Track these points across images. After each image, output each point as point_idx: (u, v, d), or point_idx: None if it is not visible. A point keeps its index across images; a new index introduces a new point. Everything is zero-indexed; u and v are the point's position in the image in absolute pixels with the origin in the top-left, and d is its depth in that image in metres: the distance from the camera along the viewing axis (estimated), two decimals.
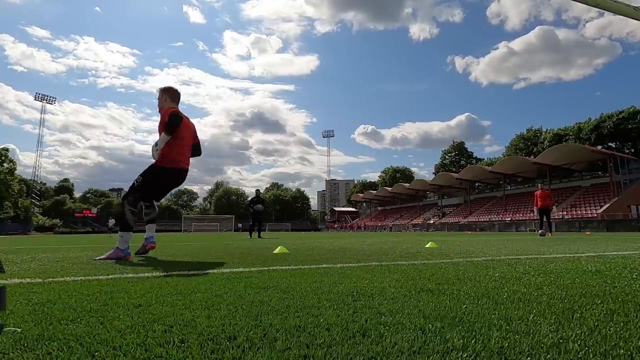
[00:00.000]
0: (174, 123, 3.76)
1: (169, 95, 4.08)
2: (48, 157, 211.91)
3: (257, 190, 14.20)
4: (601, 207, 30.15)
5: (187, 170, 4.12)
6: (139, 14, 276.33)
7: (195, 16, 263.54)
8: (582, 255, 3.80)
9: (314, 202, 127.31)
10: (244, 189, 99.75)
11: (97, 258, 3.65)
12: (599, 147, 38.56)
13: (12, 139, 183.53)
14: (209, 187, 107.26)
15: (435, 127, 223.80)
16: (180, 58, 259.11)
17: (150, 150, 3.93)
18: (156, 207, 4.24)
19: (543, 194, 11.80)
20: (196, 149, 4.30)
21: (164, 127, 3.76)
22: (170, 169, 3.94)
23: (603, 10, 2.49)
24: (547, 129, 50.69)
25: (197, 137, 4.30)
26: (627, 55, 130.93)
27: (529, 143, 51.77)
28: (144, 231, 4.34)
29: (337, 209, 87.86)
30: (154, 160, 3.92)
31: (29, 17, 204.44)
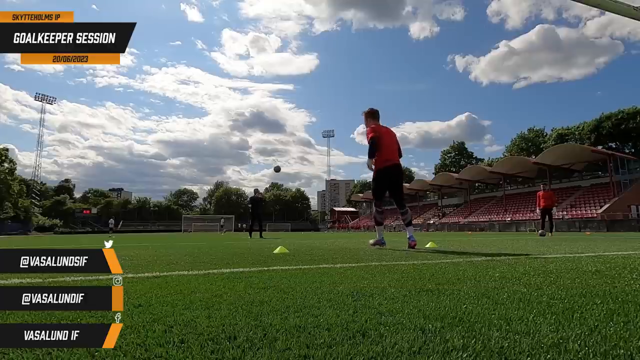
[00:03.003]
0: (371, 150, 5.03)
1: (370, 116, 5.41)
2: (47, 157, 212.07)
3: (256, 190, 14.20)
4: (601, 207, 30.15)
5: (397, 165, 5.27)
6: (136, 12, 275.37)
7: (193, 15, 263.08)
8: (582, 255, 3.80)
9: (314, 202, 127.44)
10: (244, 189, 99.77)
11: (370, 243, 5.43)
12: (599, 147, 38.56)
13: (10, 138, 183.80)
14: (209, 187, 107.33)
15: (435, 127, 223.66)
16: (179, 57, 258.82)
17: None
18: (409, 212, 5.35)
19: (546, 194, 11.81)
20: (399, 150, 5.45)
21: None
22: (383, 169, 5.17)
23: (603, 11, 2.49)
24: (552, 128, 50.68)
25: (398, 142, 5.43)
26: (629, 54, 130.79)
27: (530, 143, 51.77)
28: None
29: (337, 209, 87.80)
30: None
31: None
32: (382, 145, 5.06)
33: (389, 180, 5.24)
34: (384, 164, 5.11)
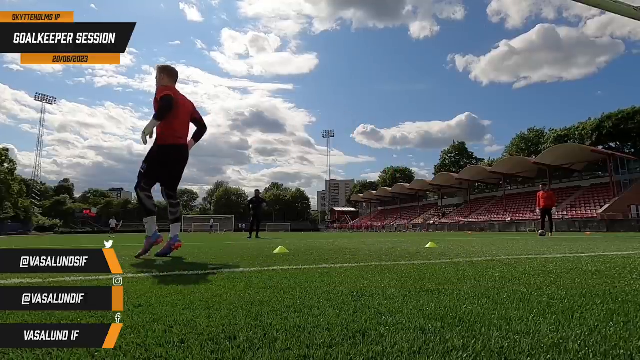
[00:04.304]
0: (164, 109, 3.63)
1: (167, 73, 3.98)
2: (47, 157, 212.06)
3: (257, 191, 14.22)
4: (601, 207, 30.14)
5: (186, 147, 4.02)
6: (135, 12, 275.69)
7: (193, 14, 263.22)
8: (582, 255, 3.80)
9: (314, 202, 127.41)
10: (244, 189, 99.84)
11: (137, 255, 3.79)
12: (599, 147, 38.56)
13: (10, 138, 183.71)
14: (209, 187, 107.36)
15: (435, 126, 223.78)
16: (178, 57, 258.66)
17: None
18: (181, 207, 4.23)
19: (546, 194, 11.80)
20: (200, 125, 4.23)
21: (155, 111, 3.68)
22: (169, 146, 3.86)
23: (603, 10, 2.49)
24: (551, 128, 50.66)
25: (197, 113, 4.18)
26: (629, 54, 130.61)
27: (530, 143, 51.75)
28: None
29: (337, 209, 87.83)
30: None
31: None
32: (176, 115, 3.82)
33: (173, 163, 3.98)
34: (175, 141, 3.87)
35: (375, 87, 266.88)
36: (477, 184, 51.05)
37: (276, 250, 4.62)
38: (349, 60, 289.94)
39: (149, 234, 3.81)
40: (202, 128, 4.26)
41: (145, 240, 3.85)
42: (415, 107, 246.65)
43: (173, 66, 4.06)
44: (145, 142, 3.66)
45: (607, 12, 2.53)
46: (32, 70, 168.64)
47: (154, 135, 3.77)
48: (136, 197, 3.92)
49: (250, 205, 13.69)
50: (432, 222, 47.11)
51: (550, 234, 11.56)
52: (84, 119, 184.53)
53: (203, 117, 4.24)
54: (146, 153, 3.94)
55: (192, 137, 4.21)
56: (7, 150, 53.78)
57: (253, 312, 1.34)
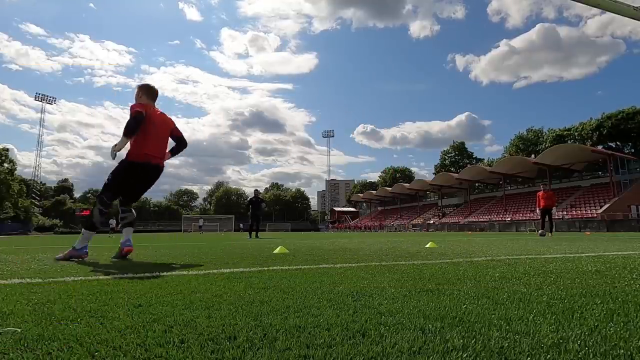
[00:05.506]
0: (130, 126, 3.60)
1: (144, 91, 3.97)
2: (46, 156, 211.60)
3: (256, 191, 14.23)
4: (601, 207, 30.14)
5: (159, 167, 3.95)
6: (134, 11, 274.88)
7: (192, 13, 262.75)
8: (582, 255, 3.80)
9: (313, 202, 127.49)
10: (244, 189, 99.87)
11: (57, 257, 3.66)
12: (599, 147, 38.56)
13: (9, 138, 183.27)
14: (209, 187, 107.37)
15: (435, 126, 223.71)
16: (177, 56, 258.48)
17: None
18: (133, 211, 4.08)
19: (546, 194, 11.81)
20: (179, 141, 4.20)
21: (124, 128, 3.63)
22: (139, 164, 3.78)
23: (603, 10, 2.49)
24: (549, 128, 50.65)
25: (178, 130, 4.17)
26: (630, 53, 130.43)
27: (529, 143, 51.75)
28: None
29: (337, 209, 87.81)
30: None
31: (22, 14, 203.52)
32: (148, 132, 3.77)
33: (139, 181, 3.91)
34: (145, 159, 3.80)
35: (375, 87, 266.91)
36: (477, 184, 51.06)
37: (276, 250, 4.62)
38: (349, 60, 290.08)
39: (78, 246, 3.62)
40: (180, 144, 4.24)
41: (71, 248, 3.65)
42: (415, 107, 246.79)
43: (153, 85, 4.06)
44: (113, 158, 3.69)
45: (607, 12, 2.53)
46: (31, 70, 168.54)
47: (126, 151, 3.76)
48: (92, 205, 3.85)
49: (250, 206, 13.72)
50: (432, 222, 47.11)
51: (550, 234, 11.56)
52: (84, 118, 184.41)
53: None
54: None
55: (169, 151, 4.17)
56: (7, 150, 53.81)
57: (253, 312, 1.34)
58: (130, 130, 3.60)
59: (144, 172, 3.87)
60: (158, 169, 3.96)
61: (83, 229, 3.76)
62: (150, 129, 3.79)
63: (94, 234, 3.81)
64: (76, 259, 3.56)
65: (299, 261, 3.32)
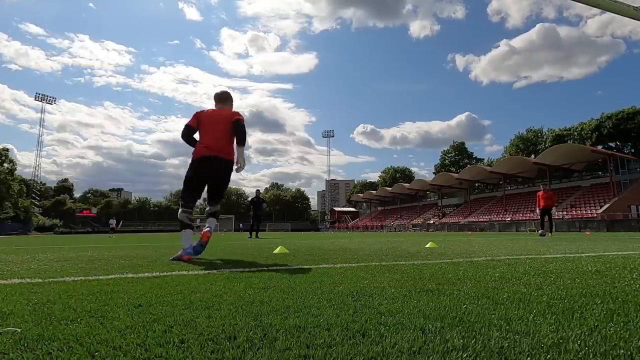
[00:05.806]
0: (182, 135, 4.06)
1: (215, 98, 4.28)
2: (46, 156, 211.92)
3: (258, 191, 14.26)
4: (601, 207, 30.13)
5: (217, 158, 3.91)
6: (133, 11, 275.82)
7: (192, 13, 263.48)
8: (582, 255, 3.80)
9: (314, 202, 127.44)
10: (244, 189, 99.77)
11: (171, 258, 3.72)
12: (599, 147, 38.55)
13: (9, 138, 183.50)
14: None
15: (435, 126, 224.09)
16: (177, 56, 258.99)
17: None
18: (217, 206, 4.24)
19: (546, 194, 11.80)
20: (233, 127, 3.99)
21: None
22: (196, 160, 3.96)
23: (603, 10, 2.49)
24: (549, 128, 50.63)
25: (232, 117, 4.03)
26: (630, 53, 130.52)
27: (529, 143, 51.74)
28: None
29: (337, 209, 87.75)
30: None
31: (21, 14, 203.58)
32: (204, 132, 3.99)
33: (205, 174, 3.99)
34: (201, 153, 3.94)
35: (375, 87, 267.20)
36: (477, 184, 51.04)
37: (276, 250, 4.62)
38: (349, 60, 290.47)
39: (183, 246, 3.81)
40: (235, 131, 4.02)
41: (181, 249, 3.81)
42: (415, 107, 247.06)
43: (217, 91, 4.31)
44: (238, 172, 4.00)
45: (607, 12, 2.53)
46: (31, 70, 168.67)
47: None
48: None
49: (251, 206, 13.77)
50: (432, 222, 47.09)
51: (550, 234, 11.55)
52: (83, 118, 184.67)
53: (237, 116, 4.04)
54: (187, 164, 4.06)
55: (236, 142, 4.06)
56: (7, 150, 53.80)
57: (253, 312, 1.34)
58: (182, 138, 4.07)
59: (202, 165, 3.94)
60: (216, 160, 3.93)
61: (184, 231, 3.94)
62: (206, 129, 4.02)
63: (191, 231, 3.95)
64: (184, 259, 3.60)
65: (299, 261, 3.33)
